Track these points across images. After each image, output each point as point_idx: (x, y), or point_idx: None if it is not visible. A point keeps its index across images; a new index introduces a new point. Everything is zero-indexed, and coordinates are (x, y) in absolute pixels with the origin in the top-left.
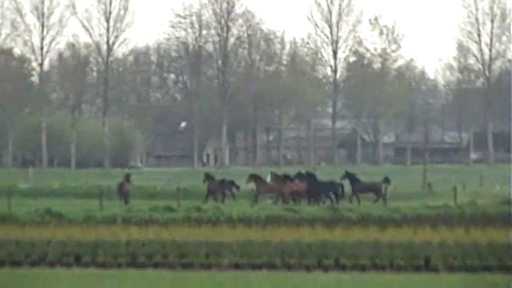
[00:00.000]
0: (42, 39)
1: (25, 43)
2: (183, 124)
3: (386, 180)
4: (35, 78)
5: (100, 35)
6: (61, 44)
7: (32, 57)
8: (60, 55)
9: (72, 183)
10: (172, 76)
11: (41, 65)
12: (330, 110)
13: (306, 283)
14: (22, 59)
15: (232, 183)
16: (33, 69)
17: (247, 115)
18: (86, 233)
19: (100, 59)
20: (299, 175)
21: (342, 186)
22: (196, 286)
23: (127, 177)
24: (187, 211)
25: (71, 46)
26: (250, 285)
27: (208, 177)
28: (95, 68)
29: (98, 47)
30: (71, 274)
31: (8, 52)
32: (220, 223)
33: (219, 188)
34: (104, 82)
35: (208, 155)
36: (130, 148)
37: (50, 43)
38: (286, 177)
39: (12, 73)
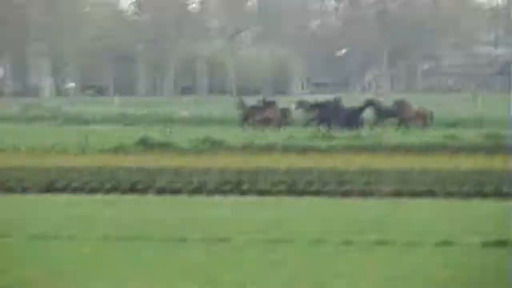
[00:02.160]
0: None
1: None
2: (343, 51)
3: None
4: (195, 6)
5: None
6: None
7: None
8: None
9: (231, 111)
10: (332, 2)
11: None
12: (491, 37)
13: (465, 211)
14: None
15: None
16: None
17: (407, 42)
18: (246, 160)
19: None
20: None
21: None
22: (354, 213)
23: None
24: (347, 139)
25: None
26: (409, 212)
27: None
28: None
29: None
30: (230, 202)
31: None
32: (380, 151)
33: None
34: (263, 10)
35: (368, 81)
36: (289, 75)
37: None
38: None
39: (171, 2)
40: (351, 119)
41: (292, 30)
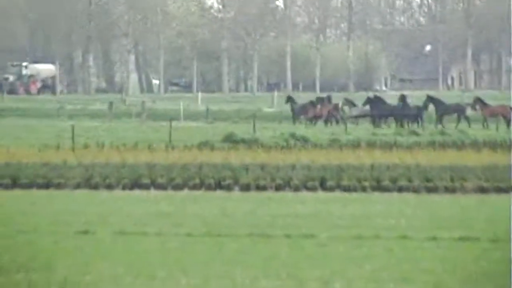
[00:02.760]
0: None
1: None
2: (427, 48)
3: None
4: (279, 2)
5: None
6: None
7: None
8: None
9: None
10: None
11: None
12: None
13: None
14: None
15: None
16: None
17: (492, 39)
18: (331, 156)
19: None
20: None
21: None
22: (440, 209)
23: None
24: (432, 135)
25: None
26: (494, 208)
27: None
28: None
29: None
30: (316, 198)
31: None
32: (465, 146)
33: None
34: (348, 6)
35: (452, 78)
36: (374, 72)
37: None
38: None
39: None
40: (412, 115)
41: (377, 26)
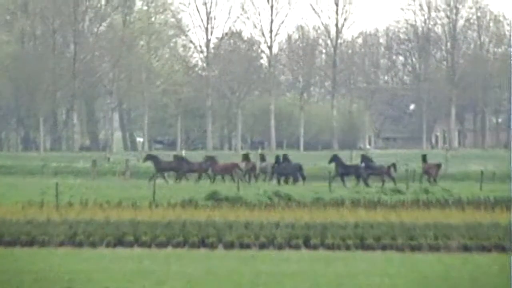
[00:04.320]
0: (271, 21)
1: (254, 26)
2: (411, 106)
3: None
4: (264, 61)
5: (329, 17)
6: (290, 27)
7: (261, 40)
8: (289, 37)
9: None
10: (401, 58)
11: (270, 47)
12: None
13: None
14: (251, 42)
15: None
16: (262, 51)
17: (476, 97)
18: (315, 215)
19: (329, 42)
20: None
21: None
22: (424, 268)
23: (246, 157)
24: (415, 193)
25: (300, 28)
26: (479, 267)
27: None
28: (323, 51)
29: (327, 29)
30: (299, 256)
31: (238, 34)
32: (449, 205)
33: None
34: (332, 65)
35: (436, 137)
36: (358, 130)
37: (279, 26)
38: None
39: (241, 56)
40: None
41: (361, 84)
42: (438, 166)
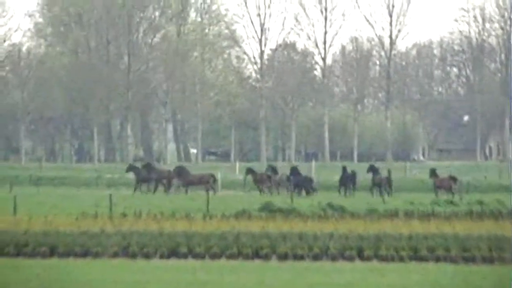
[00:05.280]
0: (325, 33)
1: (308, 37)
2: (465, 118)
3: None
4: (317, 72)
5: (383, 28)
6: (343, 38)
7: (315, 51)
8: (343, 49)
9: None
10: (455, 70)
11: (324, 59)
12: None
13: None
14: (305, 53)
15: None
16: (316, 63)
17: None
18: (368, 226)
19: (382, 53)
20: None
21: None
22: (477, 279)
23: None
24: (469, 205)
25: (354, 40)
26: None
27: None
28: (377, 62)
29: (380, 41)
30: (353, 268)
31: (292, 46)
32: (502, 216)
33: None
34: (386, 76)
35: (490, 148)
36: (412, 142)
37: (333, 37)
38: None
39: (295, 67)
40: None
41: (415, 96)
42: (453, 179)
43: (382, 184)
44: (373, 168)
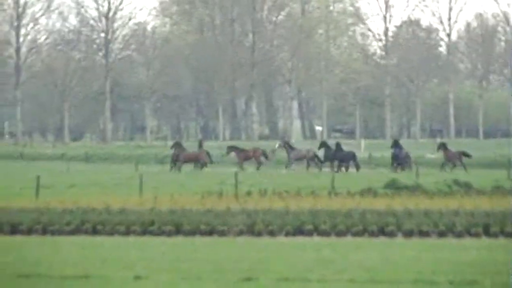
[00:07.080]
0: (450, 9)
1: (433, 14)
2: None
3: None
4: (442, 49)
5: (508, 4)
6: (468, 14)
7: (440, 28)
8: (468, 25)
9: (478, 153)
10: None
11: (448, 35)
12: None
13: None
14: (430, 30)
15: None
16: (441, 39)
17: None
18: (495, 203)
19: (508, 29)
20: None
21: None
22: None
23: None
24: None
25: (479, 16)
26: None
27: None
28: (502, 38)
29: (506, 16)
30: (479, 244)
31: (416, 22)
32: None
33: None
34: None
35: None
36: None
37: (458, 13)
38: None
39: (419, 44)
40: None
41: None
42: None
43: (455, 159)
44: (444, 145)
